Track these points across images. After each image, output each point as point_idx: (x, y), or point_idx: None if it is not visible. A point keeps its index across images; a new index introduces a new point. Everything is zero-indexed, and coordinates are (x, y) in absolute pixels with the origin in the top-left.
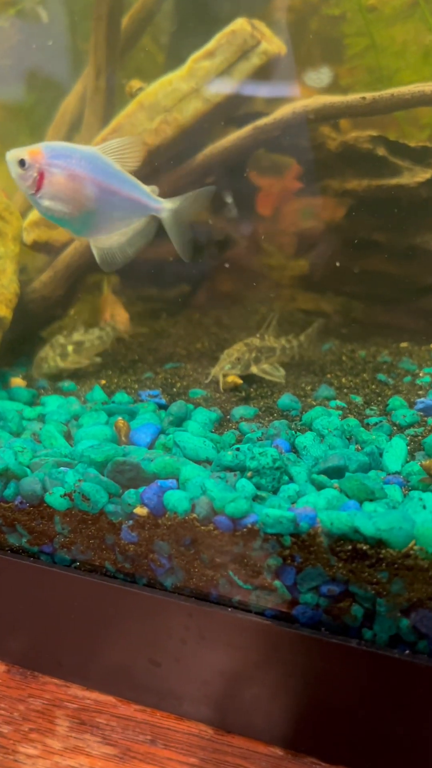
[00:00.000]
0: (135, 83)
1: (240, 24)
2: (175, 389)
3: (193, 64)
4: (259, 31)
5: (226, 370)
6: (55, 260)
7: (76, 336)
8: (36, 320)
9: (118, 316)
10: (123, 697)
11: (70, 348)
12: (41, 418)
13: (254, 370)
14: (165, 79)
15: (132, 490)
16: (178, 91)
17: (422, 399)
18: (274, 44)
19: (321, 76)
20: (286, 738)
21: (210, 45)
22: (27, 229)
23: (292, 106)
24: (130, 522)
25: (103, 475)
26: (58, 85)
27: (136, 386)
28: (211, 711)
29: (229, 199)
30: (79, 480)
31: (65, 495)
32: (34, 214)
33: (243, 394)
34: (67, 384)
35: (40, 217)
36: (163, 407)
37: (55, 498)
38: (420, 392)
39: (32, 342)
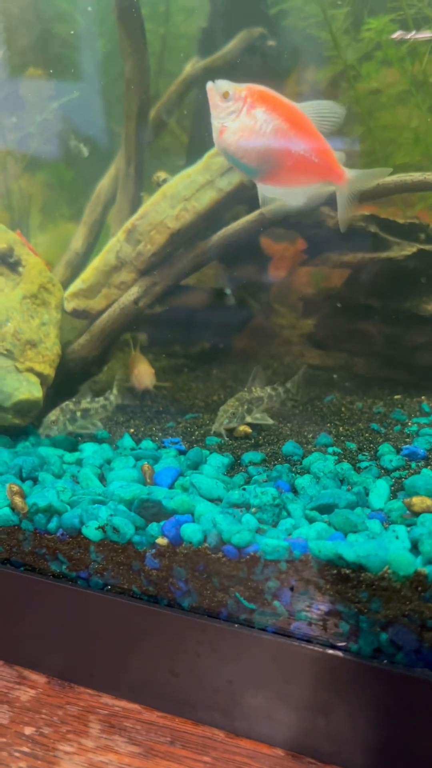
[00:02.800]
0: (161, 174)
1: None
2: (193, 437)
3: (209, 160)
4: None
5: (225, 425)
6: (91, 326)
7: (84, 403)
8: (74, 377)
9: (144, 372)
10: (147, 704)
11: (78, 414)
12: (79, 462)
13: (249, 419)
14: (185, 173)
15: (155, 524)
16: (195, 182)
17: (408, 446)
18: None
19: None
20: (287, 741)
21: None
22: (67, 299)
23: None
24: (153, 550)
25: (131, 511)
26: (93, 163)
27: (160, 434)
28: (222, 716)
29: (242, 281)
30: (111, 515)
31: (99, 527)
32: (74, 286)
33: (252, 441)
34: (101, 432)
35: (80, 288)
36: (183, 453)
37: (91, 530)
38: (407, 440)
39: (71, 396)
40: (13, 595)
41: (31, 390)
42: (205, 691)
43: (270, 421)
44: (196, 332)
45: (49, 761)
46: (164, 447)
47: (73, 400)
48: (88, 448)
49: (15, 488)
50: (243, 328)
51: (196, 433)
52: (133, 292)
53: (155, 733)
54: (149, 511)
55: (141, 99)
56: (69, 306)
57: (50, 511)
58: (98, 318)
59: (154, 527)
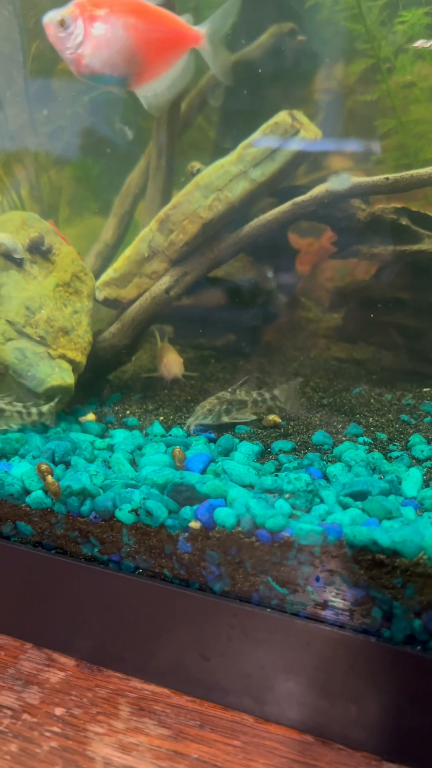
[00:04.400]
0: (195, 164)
1: (282, 116)
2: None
3: (242, 150)
4: (298, 121)
5: (200, 420)
6: (122, 314)
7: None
8: (105, 365)
9: (173, 361)
10: (176, 689)
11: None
12: (110, 447)
13: (225, 419)
14: (218, 163)
15: (188, 507)
16: (228, 173)
17: None
18: (310, 131)
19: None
20: (317, 726)
21: (256, 134)
22: (99, 288)
23: (326, 185)
24: (186, 534)
25: (164, 495)
26: (120, 157)
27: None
28: (252, 701)
29: (270, 273)
30: (144, 498)
31: (132, 511)
32: (106, 275)
33: (282, 430)
34: (131, 420)
35: (111, 278)
36: (212, 440)
37: (124, 513)
38: None
39: (101, 384)
40: (44, 578)
41: (63, 376)
42: (236, 675)
43: (253, 417)
44: (222, 325)
45: (80, 741)
46: (194, 435)
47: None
48: (119, 434)
49: (44, 467)
50: (269, 321)
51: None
52: (165, 281)
53: (184, 717)
54: (182, 495)
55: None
56: (100, 295)
57: (84, 494)
58: (129, 307)
59: (187, 511)
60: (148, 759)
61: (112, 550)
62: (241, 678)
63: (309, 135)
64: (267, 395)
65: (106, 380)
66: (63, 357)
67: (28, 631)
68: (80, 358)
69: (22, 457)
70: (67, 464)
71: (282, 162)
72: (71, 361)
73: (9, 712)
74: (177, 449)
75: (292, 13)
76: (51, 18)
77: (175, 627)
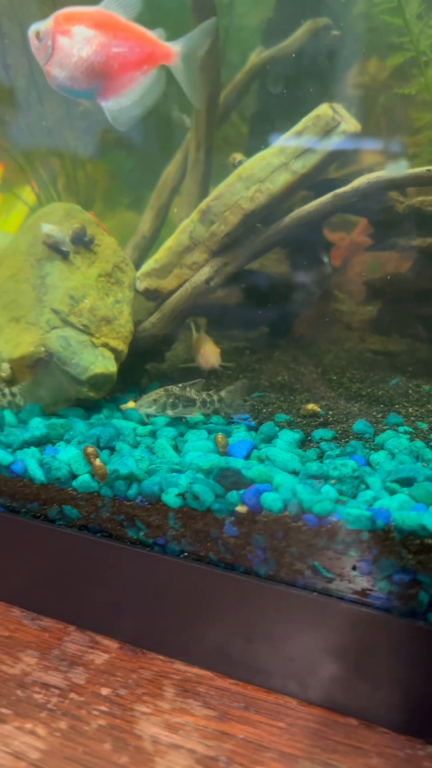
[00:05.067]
0: (237, 156)
1: (323, 109)
2: (261, 415)
3: (284, 143)
4: (339, 114)
5: (144, 408)
6: (162, 305)
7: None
8: (144, 354)
9: (211, 351)
10: (219, 672)
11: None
12: (152, 434)
13: (170, 413)
14: (260, 155)
15: (234, 491)
16: (270, 165)
17: None
18: (351, 124)
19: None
20: (359, 710)
21: (298, 126)
22: (140, 278)
23: (367, 177)
24: (232, 518)
25: (209, 480)
26: (151, 152)
27: (229, 411)
28: (296, 685)
29: (326, 258)
30: (191, 482)
31: (179, 495)
32: (147, 265)
33: (321, 419)
34: None
35: (152, 268)
36: (252, 428)
37: (170, 497)
38: None
39: (139, 373)
40: (88, 561)
41: (106, 364)
42: (280, 658)
43: (199, 416)
44: (255, 317)
45: (128, 720)
46: (233, 423)
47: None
48: (161, 421)
49: (91, 450)
50: (302, 313)
51: (264, 410)
52: (205, 271)
53: (229, 699)
54: (228, 480)
55: (212, 88)
56: (141, 285)
57: (131, 479)
58: (169, 298)
59: (233, 495)
60: (195, 738)
61: (158, 534)
62: (285, 661)
63: (349, 127)
64: (215, 397)
65: (144, 370)
66: (105, 345)
67: (71, 614)
68: (122, 346)
69: (67, 442)
70: (112, 449)
71: (323, 154)
72: (113, 350)
73: (57, 691)
74: (220, 436)
75: (327, 8)
76: (31, 29)
77: (219, 610)
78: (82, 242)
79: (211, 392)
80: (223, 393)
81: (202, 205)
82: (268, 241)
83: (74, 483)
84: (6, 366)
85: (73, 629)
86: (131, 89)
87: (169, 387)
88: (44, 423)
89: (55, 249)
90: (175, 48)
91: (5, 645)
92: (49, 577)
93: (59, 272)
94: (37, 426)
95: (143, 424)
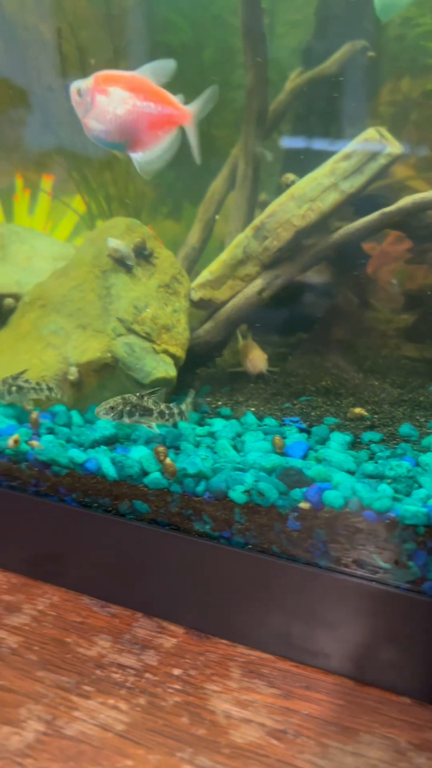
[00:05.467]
0: (290, 176)
1: (371, 133)
2: (310, 418)
3: (334, 164)
4: (385, 138)
5: (101, 415)
6: (216, 313)
7: (20, 380)
8: (197, 360)
9: (258, 357)
10: (281, 655)
11: (14, 389)
12: (211, 434)
13: (126, 420)
14: (311, 176)
15: (298, 489)
16: (321, 185)
17: None
18: (395, 147)
19: None
20: (413, 690)
21: (347, 149)
22: (195, 289)
23: (413, 197)
24: (296, 514)
25: (271, 478)
26: (193, 165)
27: (279, 413)
28: (353, 667)
29: (362, 268)
30: (256, 480)
31: (245, 491)
32: (202, 277)
33: (368, 422)
34: (224, 410)
35: (207, 279)
36: (303, 431)
37: (237, 494)
38: None
39: (192, 377)
40: (157, 552)
41: (167, 369)
42: (338, 643)
43: (155, 428)
44: (294, 323)
45: (200, 697)
46: (285, 425)
47: (12, 375)
48: (218, 423)
49: (161, 449)
50: (340, 320)
51: (313, 414)
52: (258, 283)
53: (291, 679)
54: (291, 478)
55: (260, 108)
56: (196, 295)
57: (199, 476)
58: (221, 307)
59: (297, 493)
60: (264, 714)
61: (223, 527)
62: (343, 645)
63: (395, 150)
64: (175, 410)
65: (196, 374)
66: (165, 352)
67: (139, 602)
68: (180, 353)
69: (134, 441)
70: (176, 449)
71: (369, 175)
72: (172, 356)
73: (132, 671)
74: (277, 437)
75: (365, 30)
76: (74, 85)
77: (281, 598)
78: (143, 255)
79: (170, 405)
80: (183, 406)
81: (256, 222)
82: (317, 255)
83: (145, 480)
84: (74, 369)
85: (141, 616)
86: (156, 145)
87: (127, 395)
88: (111, 423)
89: (121, 263)
90: (191, 110)
91: (80, 630)
92: (117, 567)
93: (123, 283)
94: (105, 426)
95: (200, 425)
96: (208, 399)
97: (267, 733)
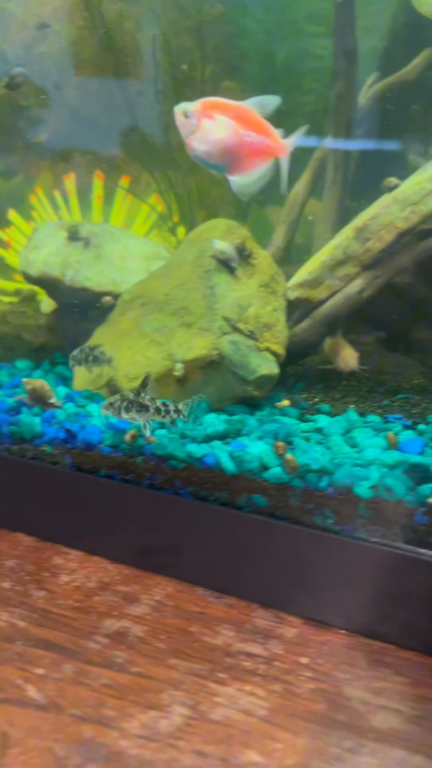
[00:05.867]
0: (392, 180)
1: None
2: (412, 416)
3: None
4: None
5: (103, 410)
6: (313, 312)
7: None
8: (291, 357)
9: (350, 355)
10: (402, 645)
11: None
12: (318, 431)
13: (124, 416)
14: (414, 180)
15: (425, 485)
16: (424, 189)
17: None
18: None
19: None
20: None
21: None
22: (292, 288)
23: None
24: (423, 509)
25: (392, 473)
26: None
27: (379, 411)
28: None
29: None
30: (382, 476)
31: (371, 487)
32: (299, 277)
33: None
34: (323, 406)
35: (304, 279)
36: (408, 427)
37: (363, 489)
38: None
39: (285, 374)
40: (275, 545)
41: (270, 367)
42: None
43: (144, 428)
44: (373, 322)
45: (332, 684)
46: (389, 422)
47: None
48: (322, 420)
49: (281, 444)
50: (421, 320)
51: (413, 410)
52: (358, 283)
53: (417, 668)
54: (418, 474)
55: (349, 113)
56: (293, 295)
57: (322, 472)
58: (319, 306)
59: (425, 488)
60: (397, 700)
61: (346, 522)
62: None
63: None
64: (171, 407)
65: (287, 371)
66: (268, 350)
67: (254, 593)
68: (281, 350)
69: (244, 437)
70: (288, 444)
71: None
72: (274, 354)
73: (261, 660)
74: (391, 434)
75: None
76: (180, 106)
77: (405, 590)
78: (243, 256)
79: (166, 402)
80: (180, 405)
81: (358, 224)
82: (415, 257)
83: (265, 474)
84: (180, 366)
85: (257, 606)
86: (253, 171)
87: (125, 392)
88: (221, 419)
89: (225, 264)
90: (288, 143)
91: (201, 620)
92: (233, 558)
93: (226, 283)
94: (213, 422)
95: (303, 421)
96: (303, 396)
97: (405, 719)
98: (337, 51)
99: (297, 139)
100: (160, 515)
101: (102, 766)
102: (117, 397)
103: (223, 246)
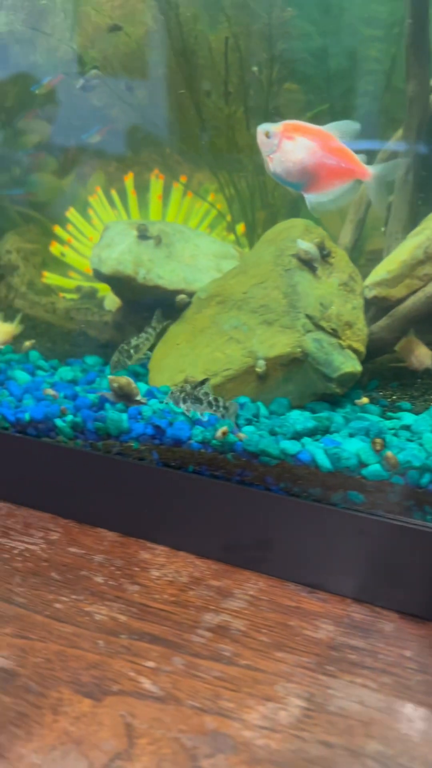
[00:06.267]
0: None
1: None
2: None
3: None
4: None
5: (166, 400)
6: (393, 311)
7: (133, 342)
8: (369, 356)
9: (425, 353)
10: None
11: (132, 351)
12: (404, 428)
13: (182, 406)
14: None
15: None
16: None
17: None
18: None
19: None
20: None
21: None
22: (370, 287)
23: None
24: None
25: None
26: None
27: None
28: None
29: None
30: None
31: None
32: (377, 276)
33: None
34: (404, 404)
35: (383, 278)
36: None
37: None
38: None
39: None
40: (370, 540)
41: (353, 364)
42: None
43: (202, 415)
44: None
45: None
46: None
47: (125, 341)
48: (407, 417)
49: (379, 441)
50: None
51: None
52: None
53: None
54: None
55: (421, 115)
56: (371, 293)
57: (423, 469)
58: (398, 305)
59: None
60: None
61: None
62: None
63: None
64: (221, 402)
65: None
66: (349, 347)
67: (349, 587)
68: (361, 348)
69: (332, 433)
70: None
71: None
72: (355, 351)
73: (366, 653)
74: None
75: None
76: (263, 127)
77: None
78: (321, 255)
79: (218, 397)
80: (227, 403)
81: (428, 233)
82: None
83: (363, 471)
84: (263, 363)
85: (351, 601)
86: (331, 191)
87: (183, 385)
88: (308, 416)
89: (308, 264)
90: (372, 170)
91: (299, 614)
92: (326, 554)
93: (308, 282)
94: (299, 419)
95: (386, 418)
96: (380, 393)
97: None
98: (410, 53)
99: (387, 168)
100: (250, 511)
101: (232, 756)
102: (178, 387)
103: (307, 246)
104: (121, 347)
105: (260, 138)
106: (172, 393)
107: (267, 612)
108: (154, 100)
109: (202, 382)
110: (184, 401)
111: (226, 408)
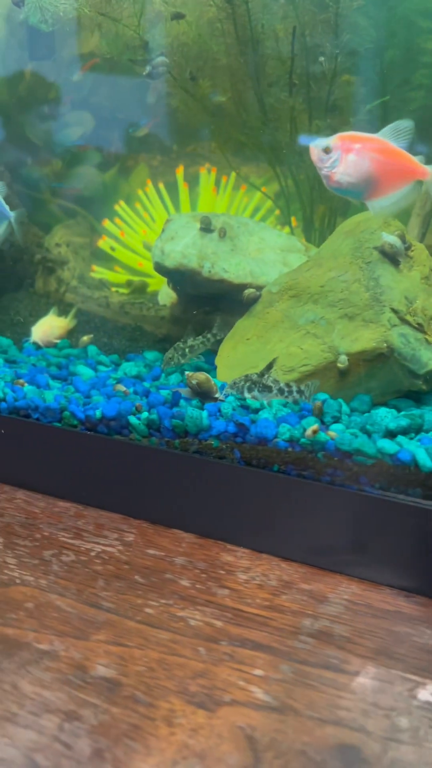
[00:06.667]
0: None
1: None
2: None
3: None
4: None
5: (227, 390)
6: None
7: (189, 341)
8: None
9: None
10: None
11: (187, 350)
12: None
13: (247, 395)
14: None
15: None
16: None
17: None
18: None
19: None
20: None
21: None
22: None
23: None
24: None
25: None
26: None
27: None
28: None
29: None
30: None
31: None
32: None
33: None
34: None
35: None
36: None
37: None
38: None
39: None
40: None
41: None
42: None
43: (276, 402)
44: None
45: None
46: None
47: (183, 339)
48: None
49: None
50: None
51: None
52: None
53: None
54: None
55: None
56: None
57: None
58: None
59: None
60: None
61: None
62: None
63: None
64: (294, 387)
65: None
66: None
67: (408, 584)
68: None
69: (426, 432)
70: None
71: None
72: None
73: None
74: None
75: None
76: (317, 143)
77: None
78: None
79: (290, 383)
80: (302, 386)
81: None
82: None
83: None
84: (344, 358)
85: (404, 594)
86: (392, 195)
87: (249, 373)
88: (396, 414)
89: (392, 258)
90: (430, 170)
91: (399, 619)
92: (425, 557)
93: (391, 275)
94: (387, 416)
95: None
96: None
97: None
98: None
99: None
100: (342, 512)
101: None
102: (241, 377)
103: (393, 239)
104: (177, 344)
105: (316, 155)
106: (234, 383)
107: (366, 617)
108: (214, 91)
109: (269, 367)
110: (250, 390)
111: (300, 392)
